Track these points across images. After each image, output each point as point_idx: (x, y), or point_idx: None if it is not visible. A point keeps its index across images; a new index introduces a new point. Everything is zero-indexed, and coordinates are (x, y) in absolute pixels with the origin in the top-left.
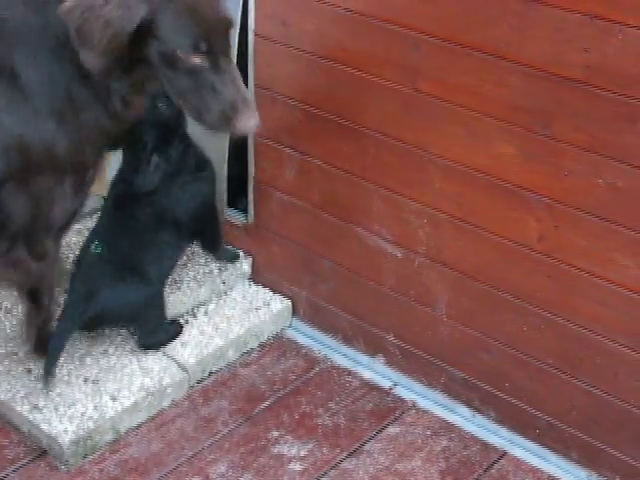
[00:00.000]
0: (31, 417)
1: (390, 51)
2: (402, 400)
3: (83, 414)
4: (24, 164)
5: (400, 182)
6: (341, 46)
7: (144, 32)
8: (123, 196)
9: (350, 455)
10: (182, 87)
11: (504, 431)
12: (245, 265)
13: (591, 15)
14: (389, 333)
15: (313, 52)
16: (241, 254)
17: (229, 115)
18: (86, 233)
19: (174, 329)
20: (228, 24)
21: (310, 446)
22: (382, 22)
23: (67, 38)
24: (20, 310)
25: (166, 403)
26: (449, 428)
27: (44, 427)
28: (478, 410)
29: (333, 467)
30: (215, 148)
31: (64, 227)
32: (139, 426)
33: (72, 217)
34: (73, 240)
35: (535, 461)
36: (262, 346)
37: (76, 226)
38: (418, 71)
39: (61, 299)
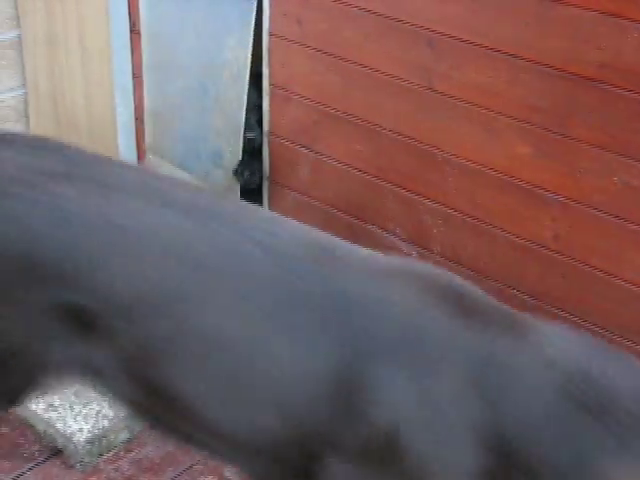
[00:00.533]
0: (46, 416)
1: (405, 50)
2: None
3: (98, 413)
4: None
5: (415, 181)
6: (356, 45)
7: None
8: None
9: None
10: None
11: None
12: None
13: (606, 13)
14: None
15: (328, 51)
16: None
17: None
18: None
19: None
20: None
21: None
22: (397, 21)
23: None
24: None
25: None
26: None
27: (59, 426)
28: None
29: None
30: (229, 145)
31: None
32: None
33: None
34: None
35: None
36: None
37: None
38: (433, 70)
39: None
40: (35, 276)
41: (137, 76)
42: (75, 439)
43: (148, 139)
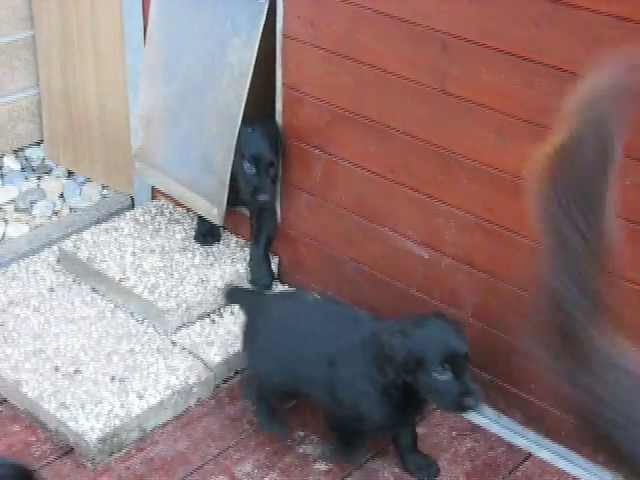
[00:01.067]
0: (58, 415)
1: (418, 52)
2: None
3: (110, 412)
4: None
5: (427, 183)
6: (369, 47)
7: None
8: None
9: (375, 455)
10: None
11: (530, 433)
12: (272, 265)
13: (619, 17)
14: None
15: (341, 53)
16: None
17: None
18: (114, 232)
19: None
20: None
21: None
22: (410, 23)
23: None
24: (48, 308)
25: (192, 402)
26: (474, 429)
27: (71, 425)
28: (504, 412)
29: (358, 467)
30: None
31: None
32: (165, 424)
33: None
34: (101, 239)
35: (561, 463)
36: None
37: (103, 225)
38: (446, 72)
39: None
40: None
41: None
42: (86, 438)
43: (137, 144)
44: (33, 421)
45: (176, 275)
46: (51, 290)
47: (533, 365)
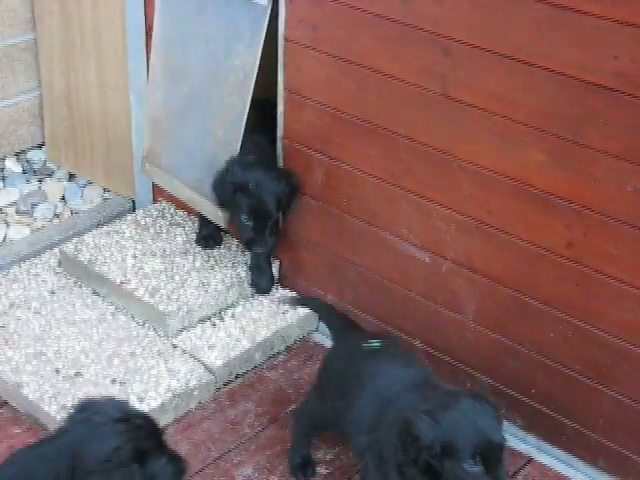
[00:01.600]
0: (59, 417)
1: (420, 57)
2: None
3: None
4: None
5: (429, 187)
6: (371, 51)
7: None
8: None
9: None
10: None
11: (531, 437)
12: (273, 268)
13: (622, 22)
14: (416, 338)
15: (343, 57)
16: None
17: None
18: (115, 235)
19: None
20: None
21: (336, 450)
22: (413, 28)
23: None
24: (49, 310)
25: (193, 405)
26: None
27: None
28: (504, 416)
29: (359, 471)
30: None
31: None
32: (166, 427)
33: None
34: (102, 242)
35: (561, 468)
36: (289, 349)
37: (104, 228)
38: (448, 77)
39: None
40: None
41: None
42: None
43: (146, 147)
44: (34, 423)
45: (177, 278)
46: (52, 293)
47: (532, 370)
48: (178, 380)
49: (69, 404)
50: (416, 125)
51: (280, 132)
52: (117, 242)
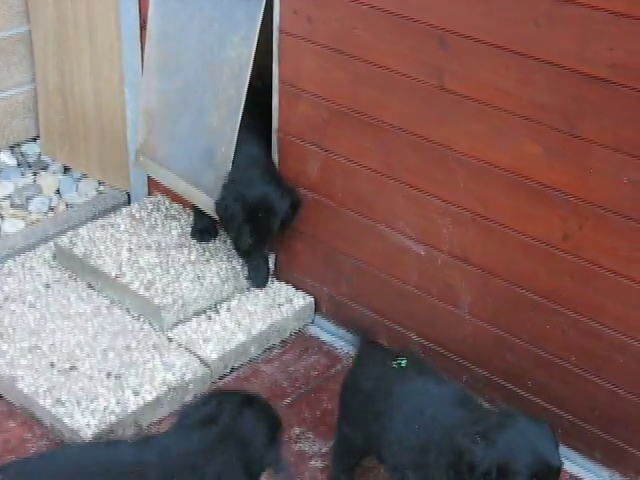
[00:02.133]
0: (54, 411)
1: (416, 48)
2: None
3: (105, 408)
4: None
5: (424, 180)
6: (366, 43)
7: None
8: None
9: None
10: None
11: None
12: (269, 262)
13: (617, 13)
14: (411, 331)
15: (338, 49)
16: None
17: None
18: (110, 228)
19: None
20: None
21: (331, 443)
22: (408, 20)
23: None
24: (44, 304)
25: (188, 398)
26: None
27: (66, 421)
28: (500, 408)
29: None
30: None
31: None
32: (161, 421)
33: None
34: (97, 235)
35: None
36: (284, 342)
37: (99, 221)
38: (444, 69)
39: None
40: None
41: None
42: (82, 434)
43: (140, 139)
44: (29, 417)
45: (172, 271)
46: (47, 286)
47: (528, 362)
48: (173, 373)
49: (64, 398)
50: (411, 117)
51: (275, 124)
52: (112, 235)
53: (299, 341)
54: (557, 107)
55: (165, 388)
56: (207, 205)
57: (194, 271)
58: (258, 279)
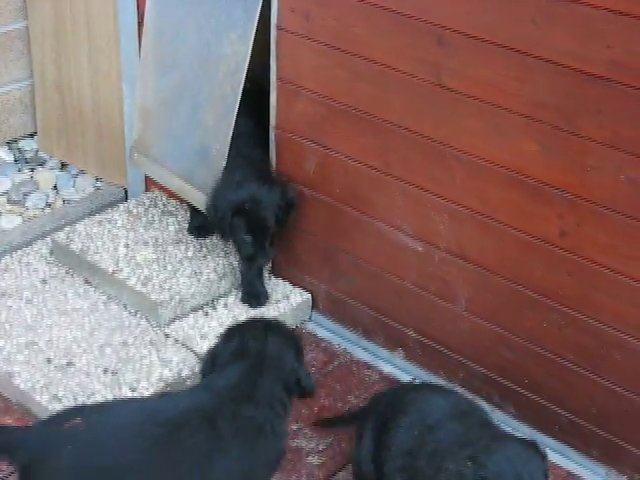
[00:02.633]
0: (50, 407)
1: (414, 46)
2: None
3: None
4: None
5: (422, 177)
6: (364, 40)
7: None
8: None
9: None
10: None
11: (524, 427)
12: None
13: (615, 11)
14: (409, 327)
15: (336, 46)
16: None
17: None
18: (107, 224)
19: None
20: None
21: (329, 440)
22: (407, 17)
23: None
24: (41, 300)
25: None
26: None
27: None
28: (498, 406)
29: (350, 461)
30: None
31: None
32: None
33: None
34: (94, 231)
35: (555, 457)
36: None
37: (96, 217)
38: (442, 66)
39: None
40: None
41: None
42: None
43: (135, 136)
44: (25, 413)
45: (169, 267)
46: (44, 282)
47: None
48: (170, 369)
49: (61, 394)
50: (410, 114)
51: (273, 121)
52: (109, 231)
53: None
54: (555, 105)
55: (162, 384)
56: (201, 202)
57: (191, 267)
58: (254, 302)
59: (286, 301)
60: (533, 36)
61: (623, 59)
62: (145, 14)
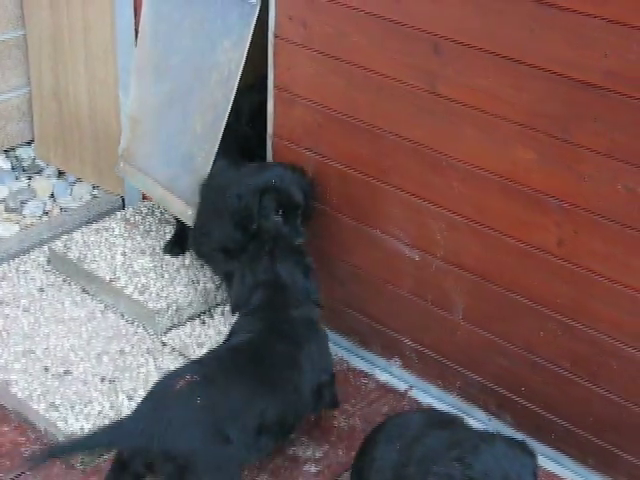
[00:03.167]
0: (47, 415)
1: (410, 54)
2: (418, 403)
3: (99, 413)
4: None
5: (419, 185)
6: (361, 49)
7: None
8: None
9: None
10: None
11: (520, 435)
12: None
13: (612, 20)
14: (406, 336)
15: (333, 55)
16: None
17: None
18: (104, 232)
19: None
20: None
21: (325, 448)
22: (403, 26)
23: None
24: (38, 308)
25: None
26: None
27: (60, 425)
28: (494, 414)
29: (348, 469)
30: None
31: None
32: None
33: None
34: (92, 239)
35: (551, 466)
36: None
37: (94, 225)
38: (438, 75)
39: None
40: None
41: None
42: None
43: (123, 144)
44: (22, 421)
45: (166, 276)
46: (41, 290)
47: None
48: None
49: (58, 402)
50: (406, 123)
51: (270, 130)
52: (106, 240)
53: None
54: (551, 113)
55: None
56: (180, 212)
57: (188, 275)
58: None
59: None
60: (529, 44)
61: (619, 68)
62: (140, 21)
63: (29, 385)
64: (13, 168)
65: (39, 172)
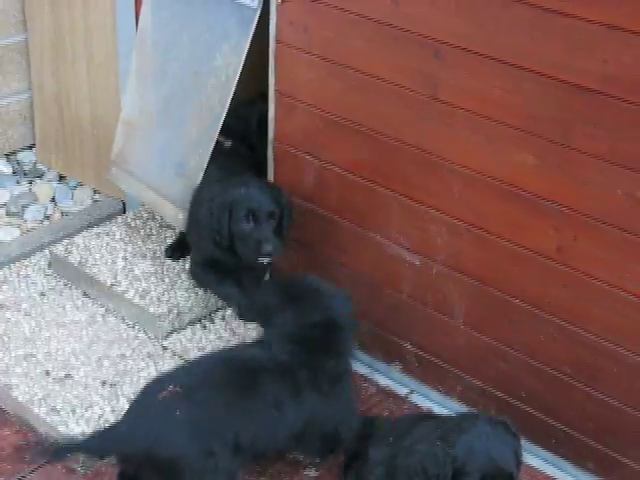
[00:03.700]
0: (48, 419)
1: (411, 60)
2: (418, 408)
3: (100, 417)
4: None
5: (419, 190)
6: (362, 54)
7: None
8: None
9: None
10: None
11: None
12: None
13: (610, 26)
14: (406, 340)
15: (334, 60)
16: None
17: None
18: (105, 237)
19: None
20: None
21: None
22: (403, 31)
23: None
24: (39, 312)
25: None
26: None
27: (61, 429)
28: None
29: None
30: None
31: None
32: None
33: None
34: (93, 243)
35: (550, 470)
36: None
37: (95, 230)
38: (438, 80)
39: None
40: None
41: None
42: None
43: (115, 150)
44: (23, 425)
45: (167, 280)
46: (42, 294)
47: (522, 372)
48: None
49: (59, 406)
50: (406, 127)
51: (271, 135)
52: (107, 244)
53: None
54: (551, 118)
55: None
56: (171, 216)
57: (189, 280)
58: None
59: None
60: (529, 50)
61: (619, 73)
62: (139, 26)
63: (30, 389)
64: (14, 172)
65: (40, 176)
